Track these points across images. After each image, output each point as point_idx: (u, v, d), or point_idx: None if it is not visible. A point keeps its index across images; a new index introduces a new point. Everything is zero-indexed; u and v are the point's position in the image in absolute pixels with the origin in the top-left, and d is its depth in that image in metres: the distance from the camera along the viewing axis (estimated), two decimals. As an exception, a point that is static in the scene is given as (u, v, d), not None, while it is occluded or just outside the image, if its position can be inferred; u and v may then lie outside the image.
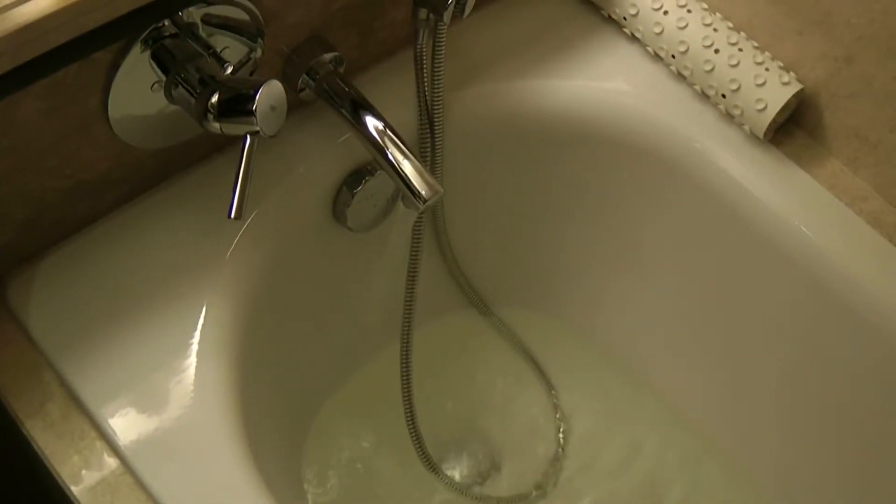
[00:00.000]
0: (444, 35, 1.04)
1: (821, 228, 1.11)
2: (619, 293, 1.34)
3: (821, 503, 1.27)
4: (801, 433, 1.25)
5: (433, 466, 1.21)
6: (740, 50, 1.11)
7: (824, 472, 1.25)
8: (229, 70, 0.91)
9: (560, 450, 1.35)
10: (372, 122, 0.96)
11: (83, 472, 0.87)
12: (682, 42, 1.13)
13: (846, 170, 1.14)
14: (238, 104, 0.86)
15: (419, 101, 1.08)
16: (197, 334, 0.94)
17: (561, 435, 1.36)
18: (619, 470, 1.34)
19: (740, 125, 1.13)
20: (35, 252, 0.97)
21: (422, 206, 0.95)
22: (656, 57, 1.17)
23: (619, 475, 1.34)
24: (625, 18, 1.17)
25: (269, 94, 0.85)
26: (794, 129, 1.15)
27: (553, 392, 1.38)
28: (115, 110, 0.91)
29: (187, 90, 0.90)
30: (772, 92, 1.09)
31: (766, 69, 1.10)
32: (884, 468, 1.18)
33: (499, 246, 1.34)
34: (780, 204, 1.12)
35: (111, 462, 0.87)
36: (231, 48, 0.94)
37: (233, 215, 0.87)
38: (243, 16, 0.93)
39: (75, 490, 0.86)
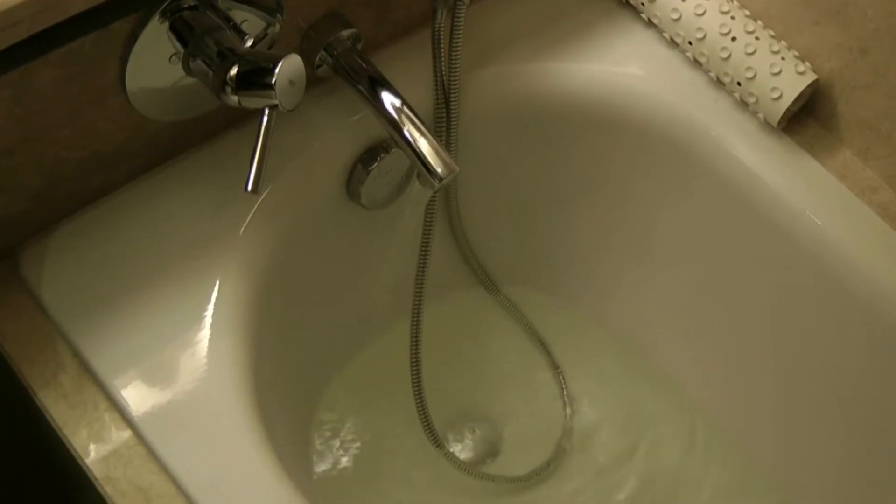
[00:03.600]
0: (462, 15, 1.03)
1: (830, 218, 1.11)
2: (630, 277, 1.35)
3: (820, 488, 1.28)
4: (807, 422, 1.25)
5: (439, 443, 1.21)
6: (757, 38, 1.11)
7: (826, 461, 1.26)
8: (249, 43, 0.90)
9: (566, 431, 1.35)
10: (389, 99, 0.96)
11: (95, 442, 0.87)
12: (699, 29, 1.13)
13: (857, 161, 1.14)
14: (257, 77, 0.86)
15: (435, 81, 1.08)
16: (210, 308, 0.94)
17: (567, 416, 1.36)
18: (625, 453, 1.35)
19: (754, 113, 1.13)
20: (48, 223, 0.97)
21: (437, 185, 0.95)
22: (672, 43, 1.17)
23: (624, 458, 1.34)
24: (642, 4, 1.17)
25: (289, 68, 0.85)
26: (807, 118, 1.15)
27: (560, 373, 1.38)
28: (132, 82, 0.91)
29: (205, 62, 0.89)
30: (787, 81, 1.09)
31: (782, 58, 1.10)
32: (883, 454, 1.19)
33: (511, 227, 1.34)
34: (791, 192, 1.12)
35: (123, 433, 0.88)
36: (249, 22, 0.94)
37: (250, 189, 0.87)
38: (262, -11, 0.93)
39: (88, 460, 0.86)
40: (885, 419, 1.16)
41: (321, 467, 1.26)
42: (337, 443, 1.28)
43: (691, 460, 1.34)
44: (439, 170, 0.95)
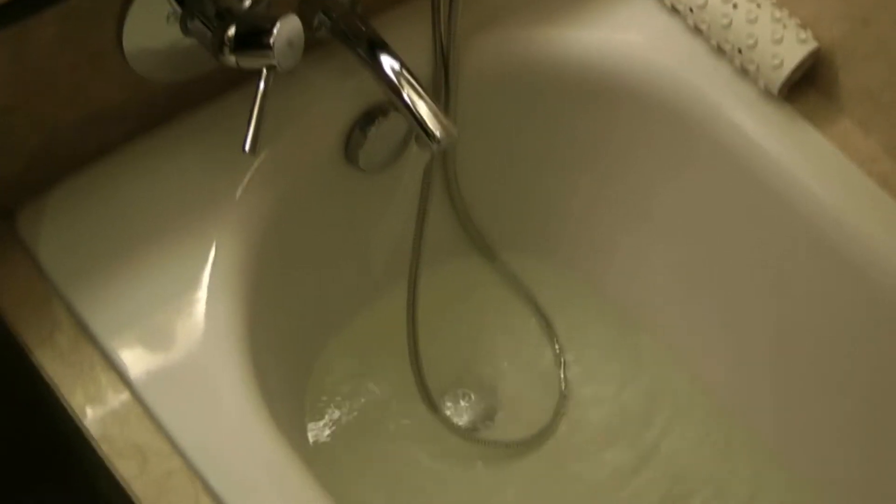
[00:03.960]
0: (462, -21, 1.03)
1: (830, 187, 1.11)
2: (628, 244, 1.35)
3: (816, 452, 1.29)
4: (803, 387, 1.26)
5: (435, 408, 1.22)
6: (758, 6, 1.10)
7: (822, 426, 1.27)
8: (247, 3, 0.90)
9: (562, 396, 1.36)
10: (388, 62, 0.96)
11: (92, 401, 0.87)
12: (700, -5, 1.12)
13: (857, 130, 1.14)
14: (255, 37, 0.86)
15: (434, 46, 1.08)
16: (207, 269, 0.94)
17: (563, 381, 1.37)
18: (623, 420, 1.35)
19: (755, 81, 1.12)
20: (45, 183, 0.97)
21: (435, 148, 0.95)
22: (673, 10, 1.17)
23: (620, 423, 1.35)
24: (643, -30, 1.17)
25: (288, 28, 0.85)
26: (807, 87, 1.15)
27: (556, 339, 1.39)
28: (129, 41, 0.90)
29: (203, 23, 0.89)
30: (788, 49, 1.09)
31: (784, 26, 1.10)
32: (880, 420, 1.19)
33: (509, 193, 1.34)
34: (790, 161, 1.12)
35: (120, 392, 0.88)
36: (248, -18, 0.93)
37: (247, 149, 0.87)
38: (261, -50, 0.92)
39: (84, 419, 0.87)
40: (881, 385, 1.17)
41: (317, 430, 1.27)
42: (333, 406, 1.29)
43: (685, 425, 1.35)
44: (438, 134, 0.94)
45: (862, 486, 1.26)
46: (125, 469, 0.84)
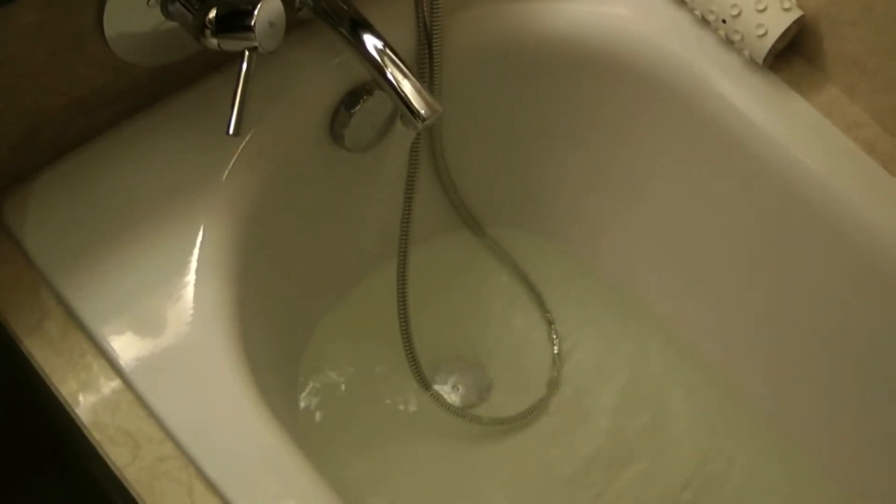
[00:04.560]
0: (443, -45, 1.02)
1: (816, 155, 1.11)
2: (615, 216, 1.35)
3: (808, 418, 1.30)
4: (796, 355, 1.27)
5: (427, 386, 1.22)
6: (742, -26, 1.10)
7: (813, 392, 1.28)
8: (228, -15, 0.89)
9: (554, 372, 1.36)
10: (371, 42, 0.95)
11: (83, 389, 0.87)
12: (683, -35, 1.12)
13: (844, 97, 1.14)
14: (236, 20, 0.85)
15: (417, 22, 1.07)
16: (195, 253, 0.94)
17: (555, 356, 1.37)
18: (615, 393, 1.36)
19: (740, 51, 1.12)
20: (31, 170, 0.96)
21: (420, 126, 0.94)
22: (657, -20, 1.16)
23: (612, 397, 1.36)
24: (626, -60, 1.16)
25: (268, 9, 0.85)
26: (793, 55, 1.14)
27: (548, 314, 1.39)
28: (110, 26, 0.90)
29: (184, 6, 0.89)
30: (772, 18, 1.08)
31: (768, -6, 1.09)
32: (870, 383, 1.20)
33: (496, 168, 1.34)
34: (777, 130, 1.12)
35: (110, 379, 0.88)
36: (228, -36, 0.93)
37: (231, 132, 0.87)
38: (240, -69, 0.91)
39: (75, 407, 0.86)
40: (871, 349, 1.18)
41: (309, 409, 1.27)
42: (325, 386, 1.29)
43: (680, 396, 1.36)
44: (423, 111, 0.94)
45: (853, 450, 1.27)
46: (117, 456, 0.84)
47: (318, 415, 1.27)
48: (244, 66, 0.88)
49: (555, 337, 1.38)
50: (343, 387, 1.29)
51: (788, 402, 1.31)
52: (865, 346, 1.18)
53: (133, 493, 0.83)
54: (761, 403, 1.33)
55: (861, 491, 1.28)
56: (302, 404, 1.26)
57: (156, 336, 0.90)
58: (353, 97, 1.07)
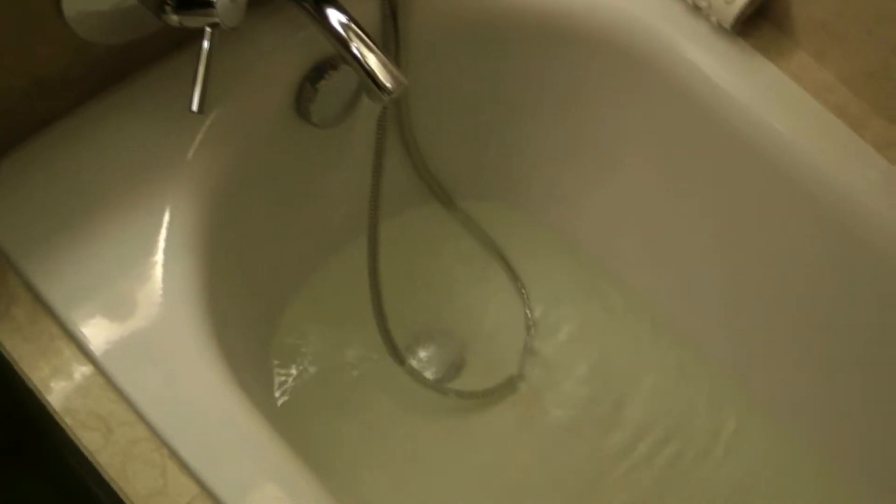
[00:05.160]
0: (406, -74, 1.01)
1: (786, 119, 1.11)
2: (585, 185, 1.35)
3: (774, 375, 1.32)
4: (767, 320, 1.28)
5: (401, 360, 1.22)
6: (708, -60, 1.10)
7: (780, 351, 1.30)
8: (187, -39, 0.88)
9: (529, 343, 1.36)
10: (335, 16, 0.94)
11: (53, 374, 0.87)
12: (649, -68, 1.11)
13: (812, 61, 1.14)
14: (197, -4, 0.84)
15: (381, -5, 1.06)
16: (162, 234, 0.93)
17: (530, 327, 1.37)
18: (588, 362, 1.37)
19: (707, 17, 1.12)
20: (-7, 154, 0.95)
21: (386, 99, 0.93)
22: (623, -52, 1.16)
23: (587, 367, 1.36)
24: None
25: (229, -15, 0.84)
26: (761, 21, 1.14)
27: (520, 284, 1.39)
28: (68, 4, 0.88)
29: (144, -18, 0.88)
30: (740, -18, 1.08)
31: (735, -41, 1.09)
32: (831, 337, 1.23)
33: (466, 141, 1.33)
34: (746, 95, 1.12)
35: (80, 363, 0.87)
36: (187, -61, 0.91)
37: (195, 108, 0.86)
38: None
39: (46, 393, 0.86)
40: (837, 306, 1.19)
41: (284, 387, 1.26)
42: (299, 363, 1.29)
43: (656, 363, 1.37)
44: (388, 84, 0.93)
45: (816, 406, 1.29)
46: (90, 441, 0.84)
47: (292, 392, 1.26)
48: (206, 42, 0.87)
49: (528, 309, 1.38)
50: (317, 364, 1.29)
51: (760, 365, 1.33)
52: (832, 304, 1.20)
53: (106, 477, 0.82)
54: (734, 368, 1.34)
55: (824, 441, 1.30)
56: (276, 382, 1.26)
57: (125, 319, 0.89)
58: (318, 72, 1.06)
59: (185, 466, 0.83)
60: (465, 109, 1.29)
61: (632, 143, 1.26)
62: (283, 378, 1.27)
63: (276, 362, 1.27)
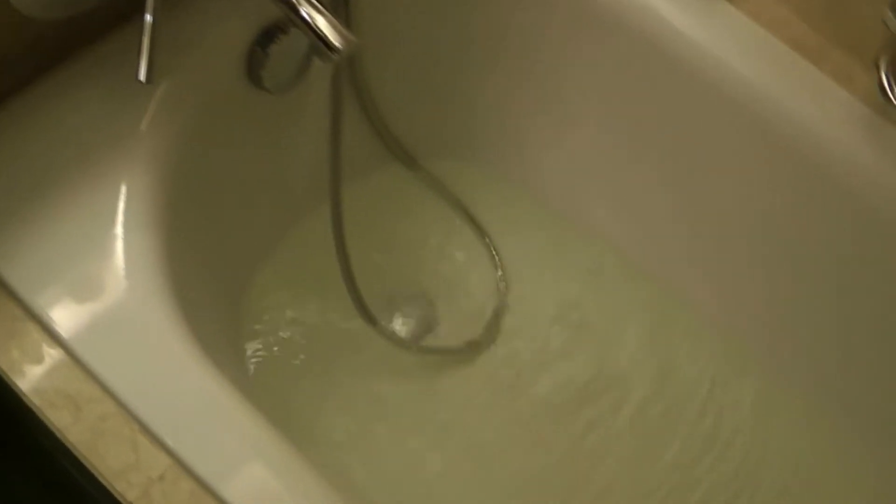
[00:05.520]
0: None
1: (744, 56, 1.12)
2: (547, 137, 1.34)
3: (755, 324, 1.32)
4: (741, 258, 1.28)
5: (373, 321, 1.21)
6: None
7: (753, 291, 1.31)
8: (123, -71, 0.87)
9: (500, 298, 1.36)
10: (281, -23, 0.93)
11: (18, 356, 0.85)
12: None
13: (769, -1, 1.14)
14: (135, -37, 0.83)
15: (328, -47, 1.05)
16: (120, 209, 0.92)
17: (500, 283, 1.37)
18: (559, 313, 1.36)
19: (661, -40, 1.11)
20: (-61, 141, 0.94)
21: (337, 59, 0.92)
22: None
23: (558, 318, 1.36)
24: None
25: (167, -50, 0.82)
26: (715, -41, 1.14)
27: (488, 241, 1.38)
28: (4, -20, 0.87)
29: (80, -46, 0.86)
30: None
31: None
32: (806, 279, 1.23)
33: (424, 99, 1.32)
34: (702, 35, 1.12)
35: (45, 343, 0.86)
36: None
37: (142, 78, 0.85)
38: None
39: (12, 374, 0.85)
40: (808, 246, 1.20)
41: (256, 357, 1.25)
42: (270, 332, 1.28)
43: (627, 315, 1.37)
44: (338, 44, 0.92)
45: (793, 349, 1.30)
46: (58, 419, 0.83)
47: (265, 361, 1.25)
48: (149, 10, 0.85)
49: (498, 265, 1.38)
50: (289, 330, 1.28)
51: (732, 303, 1.33)
52: (795, 234, 1.21)
53: (77, 454, 0.82)
54: (714, 313, 1.35)
55: (804, 378, 1.31)
56: (249, 350, 1.25)
57: (88, 296, 0.88)
58: (267, 36, 1.04)
59: (156, 439, 0.82)
60: (422, 67, 1.28)
61: (589, 89, 1.26)
62: (255, 347, 1.26)
63: (247, 330, 1.26)
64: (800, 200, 1.16)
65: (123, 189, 0.93)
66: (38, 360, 0.86)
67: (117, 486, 0.81)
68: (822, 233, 1.17)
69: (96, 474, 0.81)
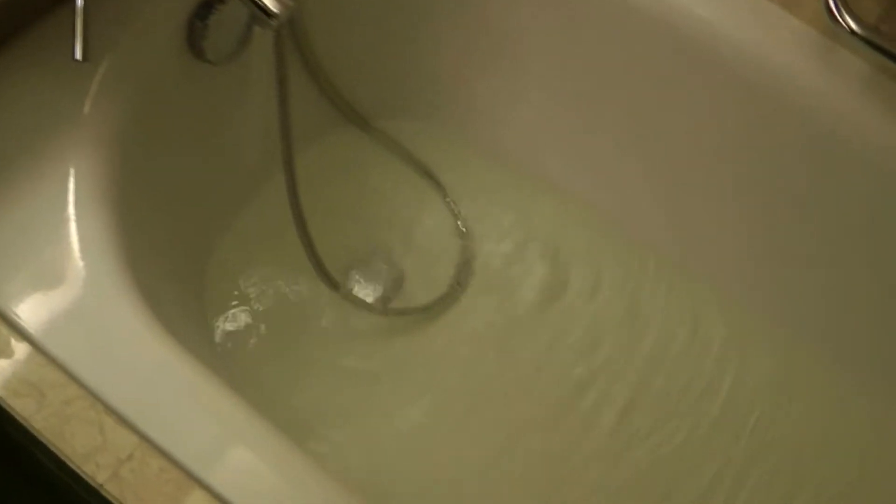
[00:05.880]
0: None
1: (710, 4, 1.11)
2: (499, 91, 1.33)
3: (717, 259, 1.33)
4: (698, 195, 1.29)
5: (336, 286, 1.21)
6: None
7: (716, 226, 1.31)
8: None
9: (464, 255, 1.36)
10: (211, -52, 0.92)
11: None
12: None
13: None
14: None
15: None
16: (70, 192, 0.91)
17: (462, 236, 1.37)
18: (524, 265, 1.37)
19: None
20: None
21: (276, 24, 0.92)
22: None
23: (524, 270, 1.36)
24: None
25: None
26: None
27: (450, 201, 1.38)
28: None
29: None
30: None
31: None
32: (766, 214, 1.25)
33: (370, 57, 1.31)
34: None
35: (5, 332, 0.85)
36: None
37: (78, 56, 0.84)
38: None
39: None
40: (760, 180, 1.21)
41: (223, 330, 1.25)
42: (235, 304, 1.27)
43: (590, 260, 1.37)
44: (275, 10, 0.91)
45: (756, 280, 1.31)
46: (23, 408, 0.82)
47: (232, 336, 1.25)
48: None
49: (459, 219, 1.37)
50: (256, 305, 1.28)
51: (693, 239, 1.34)
52: (748, 164, 1.21)
53: (44, 441, 0.81)
54: (669, 246, 1.36)
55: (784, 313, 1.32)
56: (215, 327, 1.24)
57: (45, 281, 0.87)
58: (206, 7, 1.03)
59: (122, 420, 0.82)
60: (366, 25, 1.26)
61: (548, 44, 1.25)
62: (219, 321, 1.25)
63: (211, 305, 1.25)
64: (751, 127, 1.16)
65: (71, 171, 0.92)
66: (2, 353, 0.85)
67: (86, 468, 0.81)
68: (776, 158, 1.17)
69: (65, 459, 0.81)
